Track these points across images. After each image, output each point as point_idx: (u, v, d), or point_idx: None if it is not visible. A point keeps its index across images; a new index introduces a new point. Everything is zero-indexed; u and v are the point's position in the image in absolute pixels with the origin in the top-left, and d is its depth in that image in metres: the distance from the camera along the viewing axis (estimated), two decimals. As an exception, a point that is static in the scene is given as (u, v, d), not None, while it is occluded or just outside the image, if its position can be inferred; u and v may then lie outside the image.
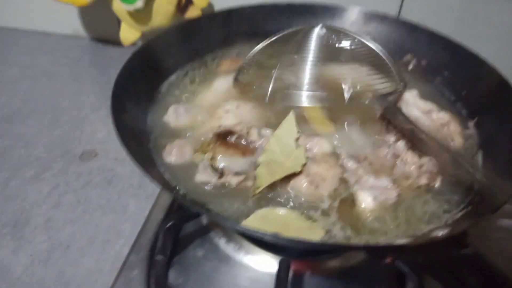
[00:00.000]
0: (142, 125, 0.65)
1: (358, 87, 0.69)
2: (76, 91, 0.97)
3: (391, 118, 0.66)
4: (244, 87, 0.72)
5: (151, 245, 0.64)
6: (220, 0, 1.01)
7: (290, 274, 0.56)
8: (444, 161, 0.60)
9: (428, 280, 0.60)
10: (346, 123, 0.67)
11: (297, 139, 0.61)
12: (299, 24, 0.74)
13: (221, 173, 0.58)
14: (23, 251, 0.64)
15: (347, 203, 0.56)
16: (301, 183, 0.57)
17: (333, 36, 0.71)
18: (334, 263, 0.63)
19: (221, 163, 0.60)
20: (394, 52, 0.80)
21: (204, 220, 0.67)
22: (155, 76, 0.73)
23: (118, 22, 1.01)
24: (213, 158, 0.60)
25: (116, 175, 0.77)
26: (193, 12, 0.97)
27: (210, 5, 1.01)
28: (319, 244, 0.53)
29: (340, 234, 0.53)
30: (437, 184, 0.59)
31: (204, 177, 0.58)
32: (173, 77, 0.76)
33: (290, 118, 0.63)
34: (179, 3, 0.96)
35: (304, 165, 0.58)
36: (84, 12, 1.12)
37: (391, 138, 0.64)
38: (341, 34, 0.72)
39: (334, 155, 0.62)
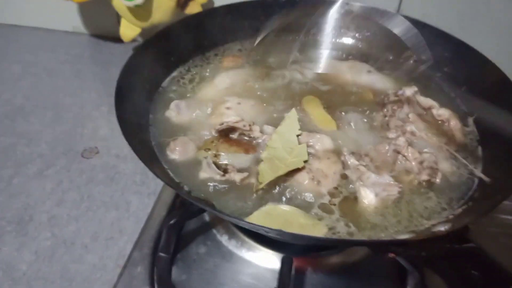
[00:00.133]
0: (144, 121, 0.66)
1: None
2: (77, 88, 0.97)
3: None
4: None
5: (154, 242, 0.64)
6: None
7: (293, 271, 0.56)
8: (444, 157, 0.61)
9: (430, 275, 0.60)
10: (347, 119, 0.67)
11: (299, 136, 0.62)
12: (299, 19, 0.74)
13: (224, 170, 0.58)
14: (28, 248, 0.65)
15: (350, 199, 0.57)
16: (303, 179, 0.58)
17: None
18: (336, 259, 0.63)
19: (224, 160, 0.60)
20: (394, 48, 0.80)
21: (207, 217, 0.68)
22: (157, 72, 0.73)
23: (118, 18, 1.01)
24: (216, 155, 0.60)
25: (118, 172, 0.77)
26: (193, 8, 0.97)
27: (210, 1, 1.00)
28: (324, 240, 0.54)
29: (343, 230, 0.53)
30: (438, 180, 0.60)
31: (208, 174, 0.58)
32: (175, 73, 0.76)
33: (292, 114, 0.64)
34: (179, -1, 0.96)
35: (306, 161, 0.59)
36: (85, 9, 1.12)
37: (392, 134, 0.65)
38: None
39: (336, 151, 0.62)
